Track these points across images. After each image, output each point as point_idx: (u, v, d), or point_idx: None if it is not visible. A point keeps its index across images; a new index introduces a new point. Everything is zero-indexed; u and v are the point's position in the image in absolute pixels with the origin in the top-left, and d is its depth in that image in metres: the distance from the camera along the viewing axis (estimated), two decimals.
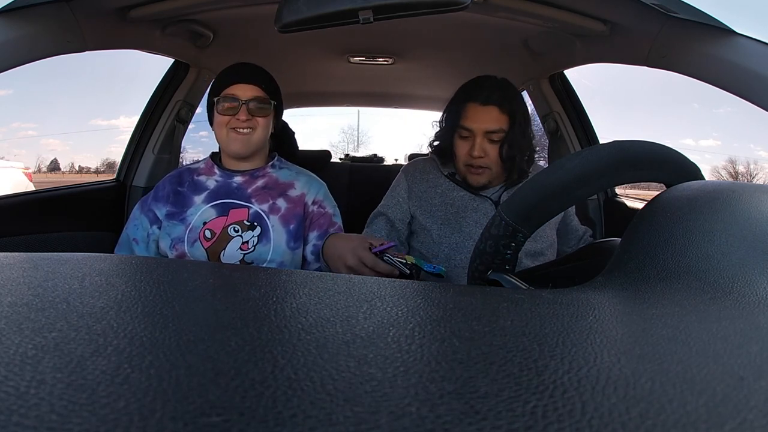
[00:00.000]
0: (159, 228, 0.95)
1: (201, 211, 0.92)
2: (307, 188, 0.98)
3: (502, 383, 0.14)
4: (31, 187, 4.37)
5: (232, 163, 0.98)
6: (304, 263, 0.97)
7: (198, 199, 0.94)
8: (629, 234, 0.33)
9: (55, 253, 0.28)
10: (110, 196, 1.37)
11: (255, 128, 0.93)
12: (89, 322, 0.18)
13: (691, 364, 0.16)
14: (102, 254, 0.30)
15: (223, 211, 0.92)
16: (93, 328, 0.17)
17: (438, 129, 1.08)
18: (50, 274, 0.24)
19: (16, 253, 0.28)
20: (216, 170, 0.98)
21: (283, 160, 1.04)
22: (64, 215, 1.19)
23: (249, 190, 0.94)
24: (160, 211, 0.95)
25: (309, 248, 0.97)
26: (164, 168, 1.43)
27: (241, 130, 0.92)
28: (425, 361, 0.16)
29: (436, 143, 1.08)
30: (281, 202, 0.95)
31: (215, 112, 0.94)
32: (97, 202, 1.32)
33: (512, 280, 0.47)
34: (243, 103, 0.92)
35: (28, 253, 0.28)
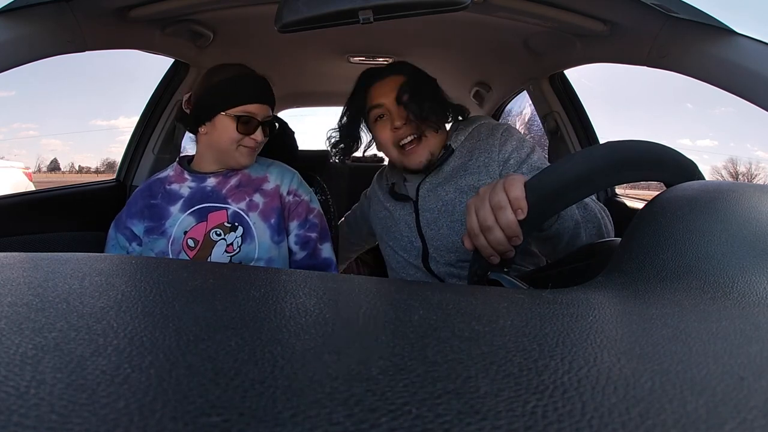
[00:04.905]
0: (139, 245, 0.93)
1: (179, 220, 0.90)
2: (281, 179, 0.98)
3: (502, 383, 0.14)
4: (31, 187, 4.37)
5: (203, 165, 0.97)
6: (289, 254, 0.97)
7: (174, 209, 0.92)
8: (629, 234, 0.33)
9: (55, 253, 0.28)
10: (110, 196, 1.37)
11: (262, 144, 0.95)
12: (89, 322, 0.18)
13: (691, 364, 0.16)
14: (102, 254, 0.30)
15: (202, 216, 0.91)
16: (93, 328, 0.17)
17: (336, 134, 1.04)
18: (50, 274, 0.24)
19: (16, 253, 0.28)
20: (187, 176, 0.95)
21: None
22: (64, 215, 1.19)
23: (224, 191, 0.93)
24: (137, 228, 0.93)
25: (292, 239, 0.97)
26: (164, 168, 1.43)
27: (251, 147, 0.92)
28: (425, 361, 0.16)
29: (338, 147, 1.04)
30: (258, 198, 0.94)
31: (228, 125, 0.90)
32: (97, 202, 1.32)
33: (512, 280, 0.47)
34: (260, 124, 0.91)
35: (28, 253, 0.28)
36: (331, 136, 1.06)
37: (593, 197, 0.75)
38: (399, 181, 1.03)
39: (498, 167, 0.88)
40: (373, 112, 0.94)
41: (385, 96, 0.92)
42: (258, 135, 0.91)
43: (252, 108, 0.90)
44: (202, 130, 0.93)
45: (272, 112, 0.95)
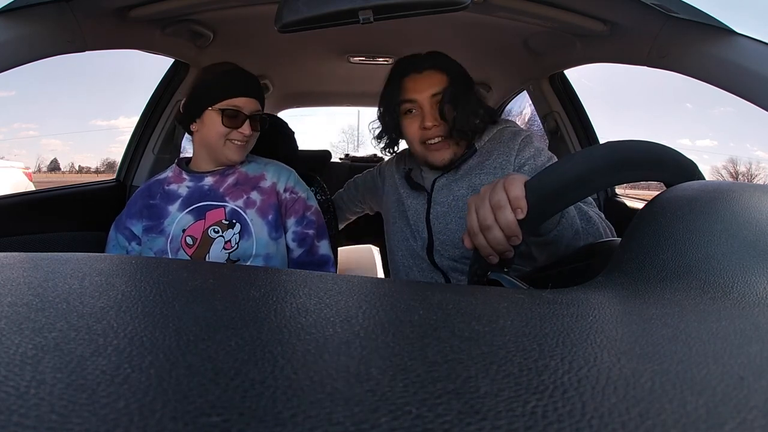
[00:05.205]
0: (138, 244, 0.95)
1: (178, 219, 0.92)
2: (277, 177, 0.99)
3: (502, 383, 0.14)
4: (31, 187, 4.36)
5: (201, 164, 0.98)
6: (287, 251, 0.98)
7: (172, 208, 0.93)
8: (629, 234, 0.33)
9: (55, 253, 0.28)
10: (110, 196, 1.37)
11: (251, 139, 0.95)
12: (89, 322, 0.18)
13: (691, 364, 0.16)
14: (102, 254, 0.30)
15: (200, 214, 0.92)
16: (93, 328, 0.17)
17: (379, 126, 1.01)
18: (50, 274, 0.24)
19: (16, 253, 0.28)
20: (185, 176, 0.97)
21: (249, 154, 1.03)
22: (64, 215, 1.19)
23: (221, 190, 0.94)
24: (136, 228, 0.95)
25: (289, 236, 0.97)
26: (164, 168, 1.43)
27: (239, 141, 0.93)
28: (425, 361, 0.16)
29: (382, 139, 1.02)
30: (255, 195, 0.95)
31: (215, 119, 0.91)
32: (97, 202, 1.32)
33: (512, 280, 0.47)
34: (247, 117, 0.92)
35: (28, 253, 0.28)
36: (373, 128, 1.04)
37: (599, 214, 0.74)
38: (416, 169, 1.01)
39: (512, 171, 0.87)
40: (404, 105, 0.91)
41: (419, 92, 0.89)
42: (245, 128, 0.91)
43: (238, 102, 0.91)
44: (193, 127, 0.95)
45: (261, 107, 0.96)
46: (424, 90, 0.89)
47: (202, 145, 0.96)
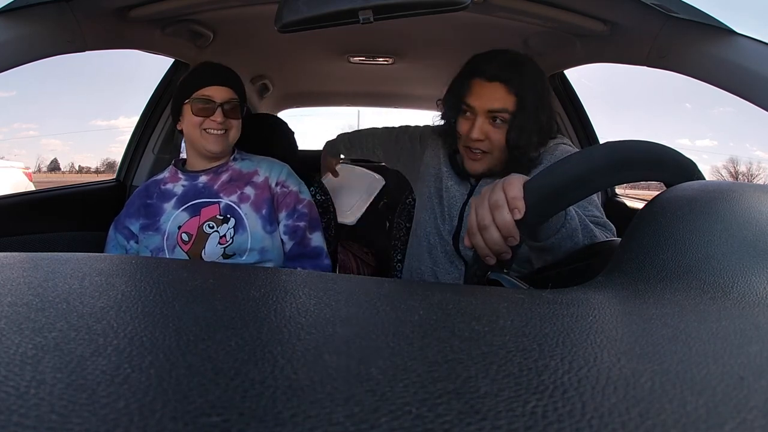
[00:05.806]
0: (136, 242, 0.96)
1: (173, 216, 0.93)
2: (269, 172, 1.00)
3: (502, 383, 0.14)
4: (31, 187, 4.36)
5: (196, 163, 1.00)
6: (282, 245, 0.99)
7: (168, 206, 0.95)
8: (629, 234, 0.33)
9: (55, 253, 0.28)
10: (110, 196, 1.37)
11: (230, 129, 0.96)
12: (89, 322, 0.18)
13: (691, 364, 0.16)
14: (102, 254, 0.30)
15: (195, 211, 0.93)
16: (93, 328, 0.17)
17: (442, 108, 0.97)
18: (50, 274, 0.24)
19: (16, 253, 0.28)
20: (180, 175, 0.99)
21: (243, 152, 1.05)
22: (64, 215, 1.19)
23: (215, 187, 0.96)
24: (134, 226, 0.96)
25: (281, 229, 0.98)
26: (164, 168, 1.43)
27: (215, 131, 0.94)
28: (425, 361, 0.16)
29: (439, 123, 0.98)
30: (249, 190, 0.96)
31: (189, 112, 0.94)
32: (97, 202, 1.32)
33: (512, 280, 0.47)
34: (218, 105, 0.93)
35: (28, 253, 0.28)
36: (439, 104, 0.98)
37: (604, 233, 0.73)
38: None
39: None
40: (463, 105, 0.87)
41: (478, 101, 0.85)
42: (217, 116, 0.93)
43: (207, 91, 0.93)
44: (179, 126, 0.98)
45: (238, 95, 0.97)
46: (484, 101, 0.84)
47: (188, 142, 0.98)
